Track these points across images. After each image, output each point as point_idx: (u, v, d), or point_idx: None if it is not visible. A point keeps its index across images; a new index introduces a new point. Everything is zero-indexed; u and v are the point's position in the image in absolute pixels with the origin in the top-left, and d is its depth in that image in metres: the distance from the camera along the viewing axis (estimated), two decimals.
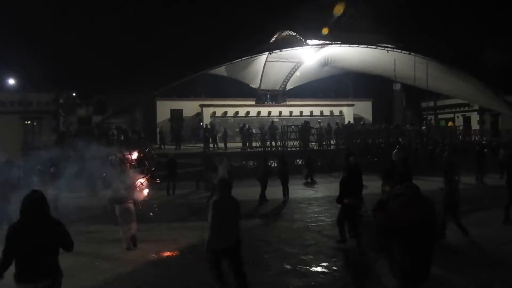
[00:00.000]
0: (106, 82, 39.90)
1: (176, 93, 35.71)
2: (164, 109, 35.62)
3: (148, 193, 9.68)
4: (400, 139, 26.10)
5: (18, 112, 28.56)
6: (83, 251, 8.76)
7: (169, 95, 35.50)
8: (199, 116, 34.92)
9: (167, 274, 8.05)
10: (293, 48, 29.75)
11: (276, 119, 31.65)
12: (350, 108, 37.08)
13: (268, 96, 38.91)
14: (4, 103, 28.38)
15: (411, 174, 4.89)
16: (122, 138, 28.35)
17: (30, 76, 34.05)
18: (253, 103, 36.60)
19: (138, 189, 9.35)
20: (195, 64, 35.63)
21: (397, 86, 38.63)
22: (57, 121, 29.80)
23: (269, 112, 34.74)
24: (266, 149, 26.15)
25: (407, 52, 27.67)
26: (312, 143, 27.39)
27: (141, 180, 9.44)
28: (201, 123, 33.46)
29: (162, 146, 28.53)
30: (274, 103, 37.71)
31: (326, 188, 18.36)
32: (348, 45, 29.11)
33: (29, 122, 29.46)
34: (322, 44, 30.68)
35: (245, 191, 17.60)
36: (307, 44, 29.81)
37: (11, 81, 33.22)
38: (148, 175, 9.64)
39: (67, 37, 44.01)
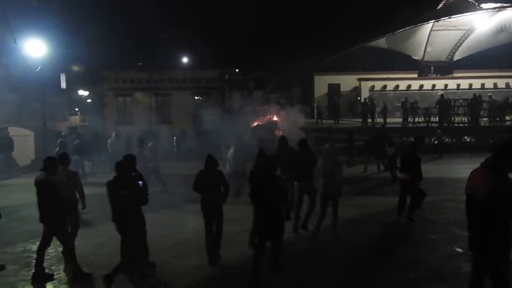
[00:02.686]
0: (266, 58, 41.35)
1: (334, 67, 35.37)
2: (321, 83, 35.61)
3: None
4: None
5: (189, 88, 31.37)
6: None
7: (327, 70, 35.35)
8: (357, 90, 34.20)
9: None
10: (464, 14, 27.09)
11: (441, 93, 29.39)
12: None
13: (432, 68, 36.31)
14: (178, 80, 31.44)
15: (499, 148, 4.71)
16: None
17: (199, 55, 36.94)
18: (415, 76, 34.49)
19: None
20: (353, 36, 34.70)
21: None
22: (222, 96, 31.92)
23: (433, 85, 32.36)
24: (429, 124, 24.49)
25: None
26: (484, 119, 24.86)
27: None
28: (359, 98, 32.76)
29: (319, 121, 28.68)
30: (438, 75, 35.04)
31: None
32: None
33: (198, 97, 32.12)
34: (499, 8, 27.33)
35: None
36: (481, 9, 26.93)
37: (184, 60, 36.56)
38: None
39: (231, 17, 46.48)
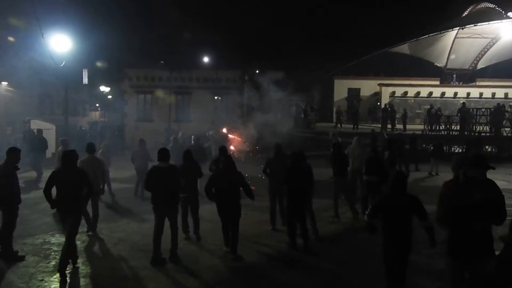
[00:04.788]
0: (286, 59, 41.31)
1: (354, 71, 35.17)
2: (341, 87, 35.40)
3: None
4: None
5: (210, 88, 31.49)
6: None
7: (347, 74, 35.17)
8: (377, 95, 33.94)
9: None
10: (490, 22, 26.66)
11: (463, 101, 28.97)
12: None
13: (455, 75, 35.94)
14: (199, 79, 31.57)
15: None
16: (302, 115, 29.25)
17: (220, 55, 37.09)
18: (437, 83, 34.06)
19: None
20: (376, 41, 34.50)
21: None
22: (241, 96, 31.89)
23: (455, 93, 31.97)
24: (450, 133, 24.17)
25: None
26: (506, 129, 24.42)
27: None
28: (379, 103, 32.50)
29: (339, 125, 28.50)
30: (461, 83, 34.61)
31: None
32: None
33: (218, 97, 32.20)
34: None
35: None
36: (508, 17, 26.47)
37: (205, 59, 36.67)
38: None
39: (253, 18, 46.65)
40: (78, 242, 8.18)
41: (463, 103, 26.44)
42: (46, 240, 8.53)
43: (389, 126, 26.50)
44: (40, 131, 17.11)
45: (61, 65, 19.34)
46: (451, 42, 32.93)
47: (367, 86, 35.02)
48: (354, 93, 35.12)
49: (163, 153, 7.55)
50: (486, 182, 4.80)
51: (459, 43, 33.08)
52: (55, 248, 8.04)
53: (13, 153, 7.52)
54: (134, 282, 6.64)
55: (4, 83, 32.64)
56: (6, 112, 31.12)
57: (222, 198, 7.55)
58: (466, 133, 24.14)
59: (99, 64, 38.39)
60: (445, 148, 19.91)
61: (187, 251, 7.92)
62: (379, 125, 26.80)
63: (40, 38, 17.00)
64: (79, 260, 7.31)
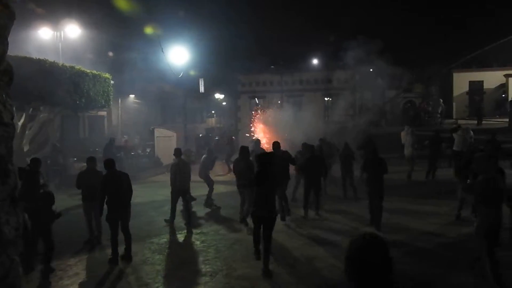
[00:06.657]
0: (401, 53, 39.50)
1: (476, 63, 32.53)
2: (461, 81, 33.02)
3: None
4: None
5: (320, 89, 31.42)
6: None
7: (468, 66, 32.67)
8: (503, 87, 31.05)
9: None
10: None
11: None
12: None
13: None
14: (309, 81, 31.69)
15: None
16: (412, 112, 27.94)
17: (331, 55, 36.61)
18: None
19: None
20: (500, 28, 31.51)
21: None
22: (353, 97, 31.28)
23: None
24: None
25: None
26: None
27: None
28: (504, 95, 29.78)
29: (458, 121, 26.62)
30: None
31: None
32: None
33: (328, 98, 31.96)
34: None
35: None
36: None
37: (315, 61, 36.57)
38: None
39: (361, 17, 45.45)
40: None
41: None
42: (170, 240, 9.20)
43: None
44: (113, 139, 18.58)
45: (179, 76, 20.73)
46: None
47: (491, 78, 32.17)
48: (476, 87, 32.50)
49: (242, 150, 10.12)
50: None
51: None
52: (177, 248, 8.65)
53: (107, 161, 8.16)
54: (254, 280, 6.86)
55: (132, 96, 35.85)
56: (134, 122, 34.09)
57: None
58: None
59: (214, 73, 40.27)
60: None
61: None
62: (507, 120, 24.49)
63: (159, 52, 18.43)
64: (157, 257, 7.75)
